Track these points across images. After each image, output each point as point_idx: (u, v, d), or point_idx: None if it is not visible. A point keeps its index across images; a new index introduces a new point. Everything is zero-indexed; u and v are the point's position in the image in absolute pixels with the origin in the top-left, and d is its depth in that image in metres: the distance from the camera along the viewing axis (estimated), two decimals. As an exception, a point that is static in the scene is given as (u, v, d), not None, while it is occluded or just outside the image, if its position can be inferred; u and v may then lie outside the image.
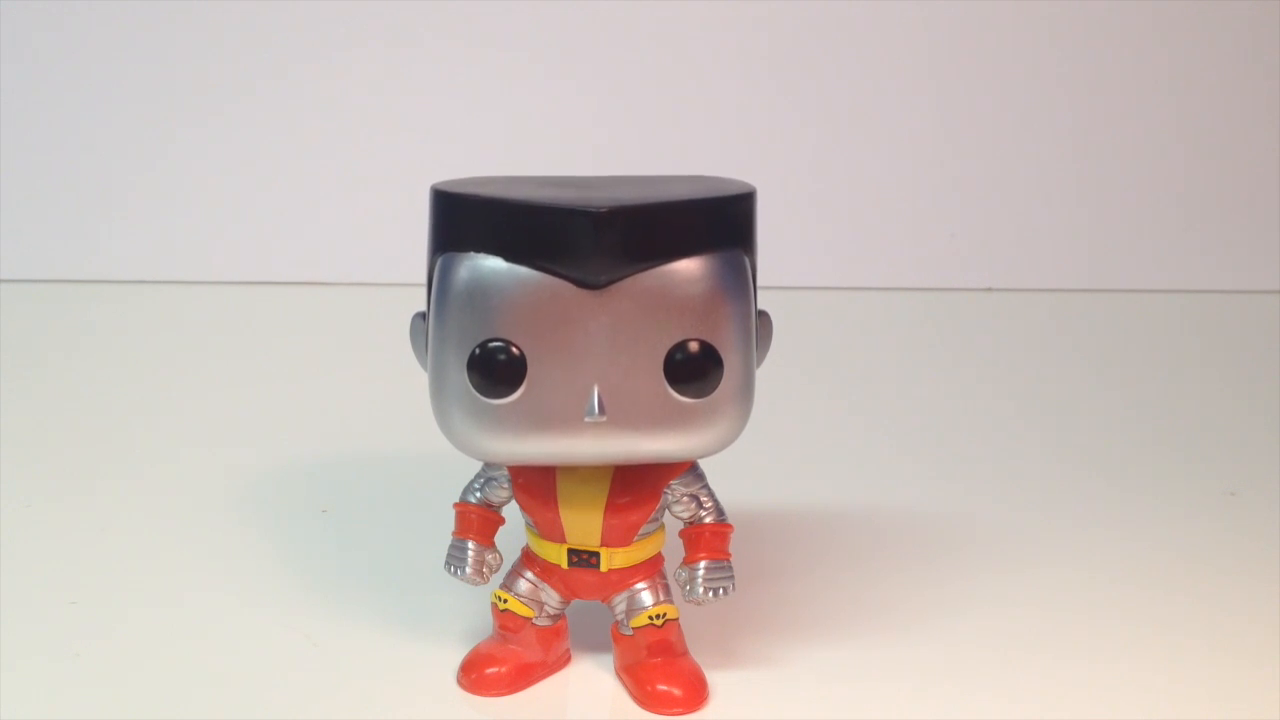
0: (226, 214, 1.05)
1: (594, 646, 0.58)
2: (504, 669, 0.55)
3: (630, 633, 0.55)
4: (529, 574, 0.55)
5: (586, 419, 0.50)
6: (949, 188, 1.09)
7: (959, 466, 0.81)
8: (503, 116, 1.05)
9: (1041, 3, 1.06)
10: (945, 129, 1.08)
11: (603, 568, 0.54)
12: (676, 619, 0.55)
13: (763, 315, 0.54)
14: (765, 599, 0.63)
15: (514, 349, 0.50)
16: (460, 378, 0.50)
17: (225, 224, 1.05)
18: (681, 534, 0.55)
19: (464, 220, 0.51)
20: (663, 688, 0.54)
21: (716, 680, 0.56)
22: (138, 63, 1.03)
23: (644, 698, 0.55)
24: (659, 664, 0.55)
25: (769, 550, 0.68)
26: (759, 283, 0.53)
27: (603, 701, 0.55)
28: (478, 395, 0.50)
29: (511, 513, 0.56)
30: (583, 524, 0.54)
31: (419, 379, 0.53)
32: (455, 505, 0.56)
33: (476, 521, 0.56)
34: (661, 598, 0.55)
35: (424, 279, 0.53)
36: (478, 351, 0.50)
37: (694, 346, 0.50)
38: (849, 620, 0.62)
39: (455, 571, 0.55)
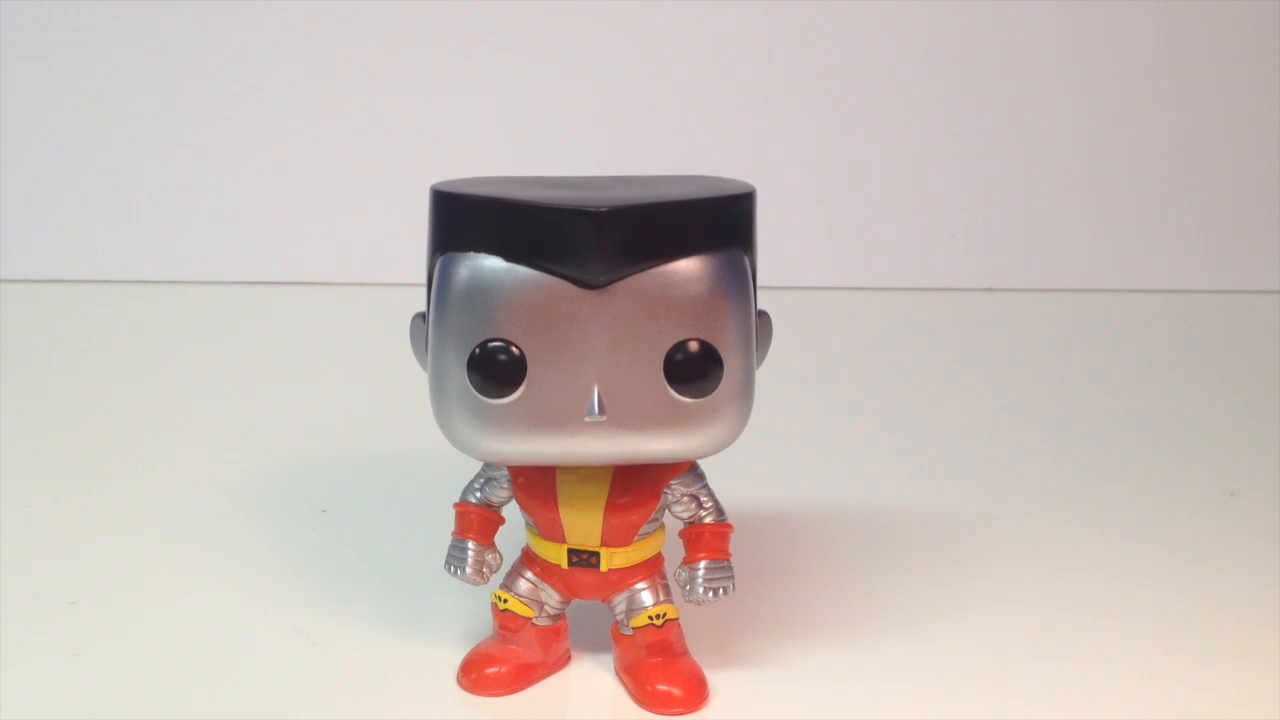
0: (226, 214, 1.05)
1: (594, 646, 0.58)
2: (504, 669, 0.55)
3: (630, 633, 0.55)
4: (529, 574, 0.55)
5: (586, 419, 0.50)
6: (949, 188, 1.09)
7: (958, 466, 0.81)
8: (503, 116, 1.05)
9: (1042, 3, 1.06)
10: (945, 129, 1.08)
11: (603, 568, 0.54)
12: (676, 619, 0.55)
13: (763, 315, 0.54)
14: (765, 599, 0.63)
15: (514, 349, 0.50)
16: (460, 378, 0.50)
17: (225, 224, 1.05)
18: (681, 534, 0.55)
19: (464, 220, 0.51)
20: (663, 688, 0.54)
21: (716, 680, 0.56)
22: (138, 63, 1.03)
23: (644, 698, 0.55)
24: (659, 664, 0.55)
25: (769, 550, 0.68)
26: (759, 283, 0.53)
27: (603, 701, 0.55)
28: (478, 395, 0.50)
29: (511, 513, 0.56)
30: (583, 524, 0.54)
31: (419, 379, 0.53)
32: (455, 505, 0.56)
33: (476, 521, 0.56)
34: (661, 598, 0.55)
35: (424, 279, 0.53)
36: (478, 351, 0.50)
37: (694, 346, 0.50)
38: (849, 620, 0.62)
39: (455, 571, 0.55)
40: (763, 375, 0.54)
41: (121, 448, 0.80)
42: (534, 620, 0.55)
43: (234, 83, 1.04)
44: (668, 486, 0.54)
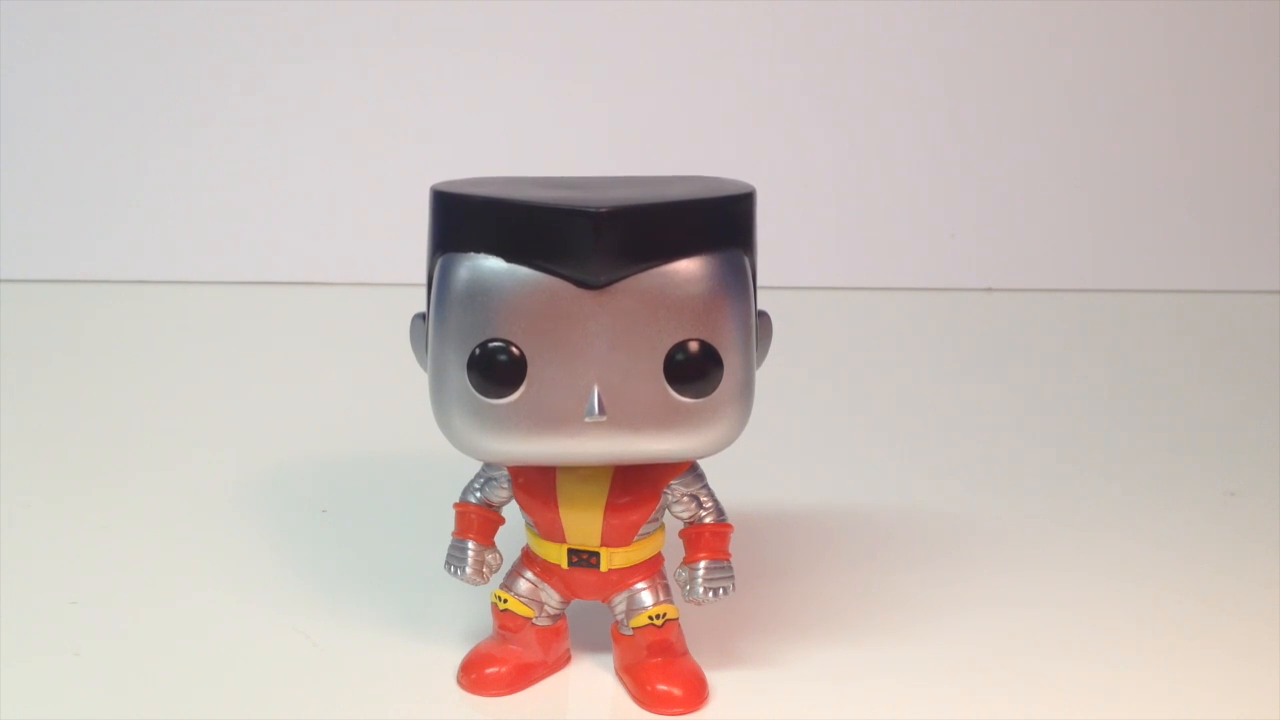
0: (226, 214, 1.05)
1: (594, 646, 0.58)
2: (504, 669, 0.55)
3: (630, 633, 0.55)
4: (529, 574, 0.55)
5: (586, 419, 0.50)
6: (949, 188, 1.09)
7: (959, 466, 0.81)
8: (503, 116, 1.05)
9: (1042, 3, 1.06)
10: (945, 129, 1.08)
11: (603, 568, 0.54)
12: (676, 619, 0.55)
13: (763, 315, 0.54)
14: (765, 599, 0.63)
15: (514, 349, 0.50)
16: (460, 378, 0.50)
17: (225, 224, 1.05)
18: (681, 534, 0.55)
19: (464, 220, 0.51)
20: (663, 688, 0.54)
21: (716, 680, 0.56)
22: (138, 63, 1.03)
23: (644, 698, 0.55)
24: (659, 664, 0.55)
25: (769, 550, 0.68)
26: (759, 283, 0.53)
27: (603, 701, 0.55)
28: (478, 395, 0.50)
29: (511, 513, 0.56)
30: (583, 524, 0.54)
31: (419, 379, 0.53)
32: (455, 505, 0.56)
33: (476, 521, 0.56)
34: (661, 598, 0.55)
35: (424, 279, 0.53)
36: (478, 352, 0.50)
37: (694, 346, 0.50)
38: (849, 620, 0.62)
39: (455, 571, 0.55)
40: (763, 375, 0.54)
41: (121, 447, 0.80)
42: (534, 620, 0.55)
43: (234, 82, 1.04)
44: (668, 486, 0.54)
